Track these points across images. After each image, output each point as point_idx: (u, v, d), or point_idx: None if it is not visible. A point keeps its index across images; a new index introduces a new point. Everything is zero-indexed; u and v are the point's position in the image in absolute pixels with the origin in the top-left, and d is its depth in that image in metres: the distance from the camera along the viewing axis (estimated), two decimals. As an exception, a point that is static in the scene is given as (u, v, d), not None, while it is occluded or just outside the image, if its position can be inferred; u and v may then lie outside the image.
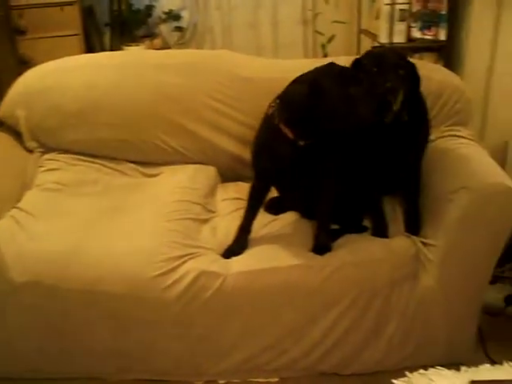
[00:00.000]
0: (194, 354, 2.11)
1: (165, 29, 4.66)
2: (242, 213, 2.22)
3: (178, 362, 2.13)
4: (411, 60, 2.14)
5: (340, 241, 2.15)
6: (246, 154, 2.60)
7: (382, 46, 3.58)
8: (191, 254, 2.06)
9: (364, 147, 2.16)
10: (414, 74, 2.10)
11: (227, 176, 2.68)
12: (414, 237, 2.13)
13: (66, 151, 2.66)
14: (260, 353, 2.10)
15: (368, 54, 2.17)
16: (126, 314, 2.04)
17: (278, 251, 2.09)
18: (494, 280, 2.71)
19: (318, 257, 2.05)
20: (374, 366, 2.13)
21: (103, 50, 4.55)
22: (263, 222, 2.26)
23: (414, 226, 2.20)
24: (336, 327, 2.05)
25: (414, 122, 2.14)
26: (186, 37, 4.67)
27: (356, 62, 2.11)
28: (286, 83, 2.05)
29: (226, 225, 2.28)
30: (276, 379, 2.17)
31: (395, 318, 2.06)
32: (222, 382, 2.18)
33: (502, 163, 2.93)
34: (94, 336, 2.09)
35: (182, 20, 4.64)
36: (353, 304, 2.03)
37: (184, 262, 2.01)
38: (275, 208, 2.37)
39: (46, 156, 2.65)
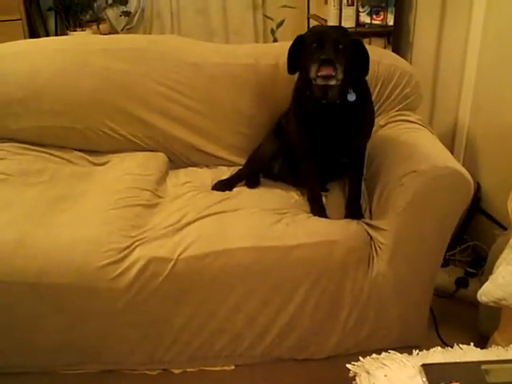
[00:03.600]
0: (146, 340, 2.06)
1: (111, 13, 4.56)
2: (192, 195, 2.28)
3: (130, 350, 2.08)
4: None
5: (293, 218, 2.13)
6: (197, 140, 2.58)
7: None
8: (140, 239, 2.01)
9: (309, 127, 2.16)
10: (359, 49, 2.05)
11: (178, 163, 2.64)
12: (363, 223, 2.11)
13: (11, 140, 2.58)
14: (213, 337, 2.06)
15: (310, 30, 2.14)
16: (74, 306, 1.97)
17: (230, 232, 2.05)
18: (446, 263, 2.76)
19: (272, 237, 2.02)
20: (329, 351, 2.12)
21: (48, 35, 4.44)
22: (215, 200, 2.25)
23: (354, 211, 2.20)
24: (288, 308, 2.03)
25: (358, 107, 2.13)
26: (133, 22, 4.59)
27: (298, 39, 2.09)
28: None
29: (177, 207, 2.22)
30: (232, 367, 2.13)
31: (349, 302, 2.05)
32: (178, 371, 2.14)
33: (451, 147, 2.98)
34: (43, 330, 2.02)
35: (130, 4, 4.55)
36: (308, 286, 2.01)
37: (133, 250, 1.96)
38: (226, 186, 2.41)
39: (-10, 146, 2.55)
